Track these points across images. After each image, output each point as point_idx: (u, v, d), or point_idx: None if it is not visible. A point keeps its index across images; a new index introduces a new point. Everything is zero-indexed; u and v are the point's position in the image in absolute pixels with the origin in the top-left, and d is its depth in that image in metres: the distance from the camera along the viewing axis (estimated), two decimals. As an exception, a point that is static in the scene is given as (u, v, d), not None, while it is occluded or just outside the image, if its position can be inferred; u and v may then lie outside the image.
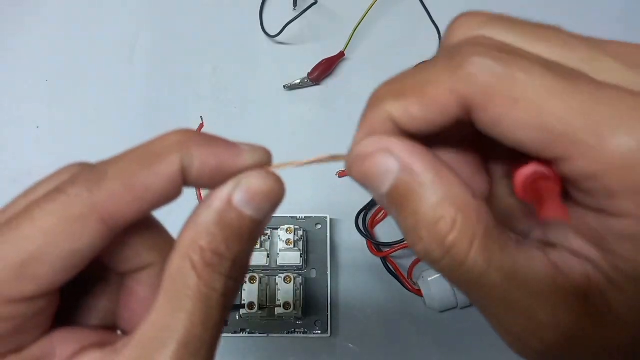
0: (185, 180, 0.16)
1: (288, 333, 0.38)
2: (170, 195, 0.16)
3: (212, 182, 0.16)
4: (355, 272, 0.41)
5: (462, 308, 0.38)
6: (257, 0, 0.54)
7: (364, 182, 0.16)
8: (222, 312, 0.16)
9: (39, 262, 0.14)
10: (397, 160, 0.15)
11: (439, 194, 0.14)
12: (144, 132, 0.48)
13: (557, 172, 0.14)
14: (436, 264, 0.15)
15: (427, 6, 0.55)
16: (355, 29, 0.51)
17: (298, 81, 0.49)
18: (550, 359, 0.15)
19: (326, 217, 0.41)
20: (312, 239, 0.41)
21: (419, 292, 0.39)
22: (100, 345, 0.16)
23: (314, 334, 0.38)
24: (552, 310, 0.14)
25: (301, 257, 0.39)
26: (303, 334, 0.38)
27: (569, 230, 0.15)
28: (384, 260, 0.41)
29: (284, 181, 0.17)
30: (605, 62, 0.14)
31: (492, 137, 0.15)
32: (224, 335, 0.38)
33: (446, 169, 0.15)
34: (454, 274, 0.15)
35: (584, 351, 0.14)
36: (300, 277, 0.39)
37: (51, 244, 0.14)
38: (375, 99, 0.16)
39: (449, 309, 0.39)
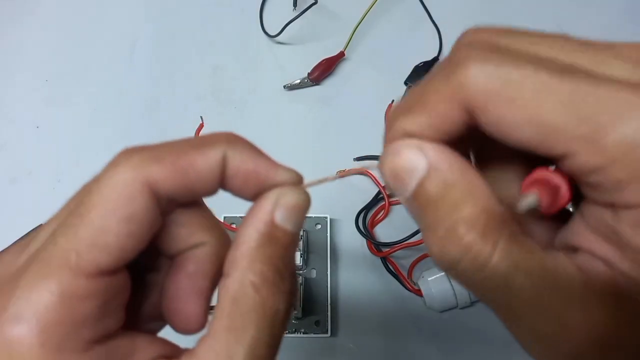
0: (223, 174, 0.17)
1: (288, 333, 0.38)
2: (209, 186, 0.17)
3: (245, 186, 0.18)
4: (355, 272, 0.41)
5: (462, 308, 0.38)
6: (257, 0, 0.54)
7: (393, 178, 0.16)
8: (284, 329, 0.16)
9: (106, 232, 0.15)
10: (425, 159, 0.15)
11: (462, 193, 0.14)
12: (144, 132, 0.48)
13: (564, 172, 0.14)
14: (453, 267, 0.14)
15: (427, 6, 0.55)
16: (355, 29, 0.51)
17: (298, 81, 0.49)
18: None
19: (326, 217, 0.41)
20: (312, 239, 0.41)
21: (419, 292, 0.39)
22: (168, 358, 0.16)
23: (313, 334, 0.38)
24: (585, 312, 0.14)
25: (301, 257, 0.39)
26: (303, 334, 0.38)
27: (588, 233, 0.15)
28: (384, 260, 0.41)
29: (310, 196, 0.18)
30: (614, 64, 0.14)
31: (498, 139, 0.15)
32: None
33: (473, 172, 0.15)
34: (474, 277, 0.14)
35: (617, 354, 0.14)
36: (300, 277, 0.39)
37: (111, 212, 0.15)
38: (390, 120, 0.17)
39: (449, 309, 0.39)
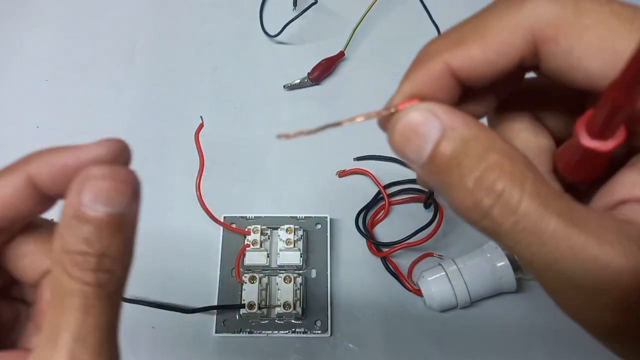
0: (35, 192, 0.17)
1: (288, 333, 0.38)
2: (24, 210, 0.17)
3: (67, 185, 0.16)
4: (355, 272, 0.41)
5: (462, 308, 0.38)
6: (257, 0, 0.54)
7: (405, 144, 0.15)
8: (106, 303, 0.16)
9: None
10: (438, 119, 0.15)
11: (483, 145, 0.14)
12: (144, 132, 0.48)
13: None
14: (485, 217, 0.14)
15: (427, 6, 0.55)
16: (356, 29, 0.51)
17: (298, 81, 0.49)
18: (624, 311, 0.14)
19: (326, 217, 0.41)
20: (312, 238, 0.41)
21: (419, 292, 0.39)
22: None
23: (313, 333, 0.38)
24: (628, 257, 0.13)
25: (301, 257, 0.39)
26: (303, 333, 0.38)
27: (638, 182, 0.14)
28: (384, 260, 0.41)
29: (133, 171, 0.18)
30: None
31: (558, 76, 0.15)
32: (224, 335, 0.38)
33: (487, 127, 0.15)
34: (506, 224, 0.14)
35: None
36: (301, 277, 0.39)
37: None
38: (428, 52, 0.16)
39: (449, 309, 0.39)
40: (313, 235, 0.41)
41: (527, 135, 0.17)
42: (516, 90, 0.17)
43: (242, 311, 0.37)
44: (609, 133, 0.14)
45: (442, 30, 0.53)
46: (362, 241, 0.42)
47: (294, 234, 0.39)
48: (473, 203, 0.14)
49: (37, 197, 0.17)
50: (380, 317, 0.39)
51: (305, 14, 0.50)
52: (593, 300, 0.14)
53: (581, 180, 0.16)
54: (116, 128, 0.47)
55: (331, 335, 0.38)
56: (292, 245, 0.39)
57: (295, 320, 0.38)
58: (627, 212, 0.14)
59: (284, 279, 0.37)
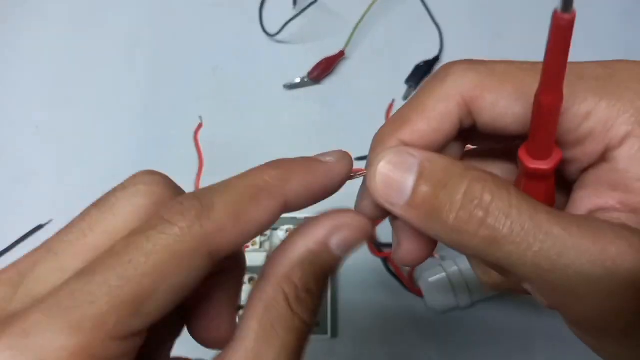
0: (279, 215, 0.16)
1: None
2: (268, 227, 0.16)
3: (306, 205, 0.17)
4: (355, 273, 0.41)
5: (462, 309, 0.38)
6: (257, 0, 0.54)
7: (386, 188, 0.16)
8: (306, 343, 0.16)
9: (152, 299, 0.14)
10: (416, 158, 0.16)
11: (461, 166, 0.16)
12: (143, 132, 0.48)
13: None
14: (482, 226, 0.15)
15: (428, 5, 0.55)
16: (356, 28, 0.50)
17: (298, 80, 0.49)
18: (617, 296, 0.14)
19: None
20: None
21: (419, 293, 0.39)
22: None
23: (314, 334, 0.38)
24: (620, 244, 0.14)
25: None
26: None
27: (592, 195, 0.16)
28: (385, 260, 0.41)
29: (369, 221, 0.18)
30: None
31: (493, 127, 0.17)
32: None
33: (456, 160, 0.17)
34: (503, 229, 0.15)
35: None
36: None
37: (163, 279, 0.14)
38: (382, 135, 0.18)
39: (449, 310, 0.38)
40: None
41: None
42: (469, 150, 0.20)
43: (242, 312, 0.37)
44: (546, 154, 0.16)
45: (443, 29, 0.53)
46: (363, 241, 0.42)
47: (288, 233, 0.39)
48: (467, 217, 0.15)
49: (278, 218, 0.16)
50: (381, 318, 0.39)
51: (305, 13, 0.50)
52: (597, 288, 0.14)
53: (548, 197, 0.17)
54: (116, 128, 0.47)
55: (332, 336, 0.38)
56: None
57: None
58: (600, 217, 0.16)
59: None
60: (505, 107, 0.17)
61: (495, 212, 0.15)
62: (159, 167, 0.51)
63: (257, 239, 0.39)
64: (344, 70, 0.51)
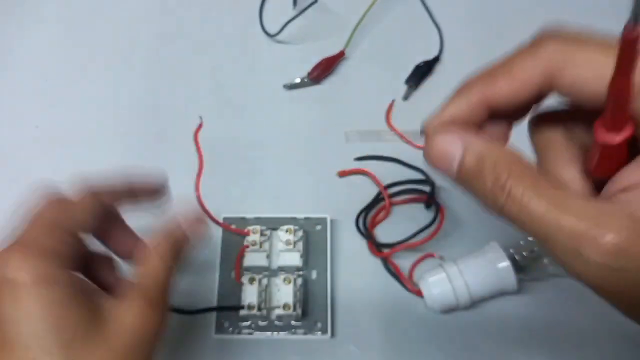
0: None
1: (288, 334, 0.38)
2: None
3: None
4: (355, 273, 0.41)
5: (463, 309, 0.38)
6: (257, 0, 0.54)
7: (438, 164, 0.21)
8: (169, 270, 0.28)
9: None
10: (460, 143, 0.20)
11: (495, 155, 0.19)
12: (143, 132, 0.48)
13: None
14: (502, 210, 0.19)
15: (428, 5, 0.55)
16: (356, 28, 0.50)
17: (298, 80, 0.49)
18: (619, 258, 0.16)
19: (326, 218, 0.41)
20: (312, 239, 0.41)
21: (419, 293, 0.38)
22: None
23: (313, 335, 0.38)
24: (598, 226, 0.17)
25: (301, 257, 0.39)
26: (303, 334, 0.38)
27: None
28: (385, 261, 0.40)
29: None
30: None
31: (572, 99, 0.19)
32: (224, 336, 0.37)
33: (498, 145, 0.20)
34: (515, 213, 0.18)
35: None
36: (301, 278, 0.39)
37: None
38: (468, 85, 0.21)
39: (449, 310, 0.38)
40: (313, 236, 0.41)
41: (561, 145, 0.21)
42: (553, 111, 0.22)
43: (242, 312, 0.37)
44: (618, 128, 0.18)
45: (442, 30, 0.53)
46: (363, 242, 0.42)
47: (294, 234, 0.39)
48: (492, 201, 0.19)
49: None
50: (381, 319, 0.39)
51: (305, 13, 0.50)
52: (578, 259, 0.17)
53: (606, 176, 0.19)
54: (116, 128, 0.47)
55: (331, 336, 0.38)
56: (292, 246, 0.39)
57: (295, 321, 0.38)
58: (624, 197, 0.18)
59: (284, 280, 0.37)
60: (583, 85, 0.19)
61: (511, 201, 0.18)
62: (157, 168, 0.51)
63: (257, 239, 0.39)
64: (344, 70, 0.51)
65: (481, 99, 0.20)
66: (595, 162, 0.19)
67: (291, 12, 0.52)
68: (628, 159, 0.19)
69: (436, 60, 0.51)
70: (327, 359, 0.38)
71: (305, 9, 0.50)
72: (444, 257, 0.40)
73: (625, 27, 0.15)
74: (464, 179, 0.20)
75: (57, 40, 0.52)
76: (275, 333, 0.37)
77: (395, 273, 0.40)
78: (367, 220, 0.42)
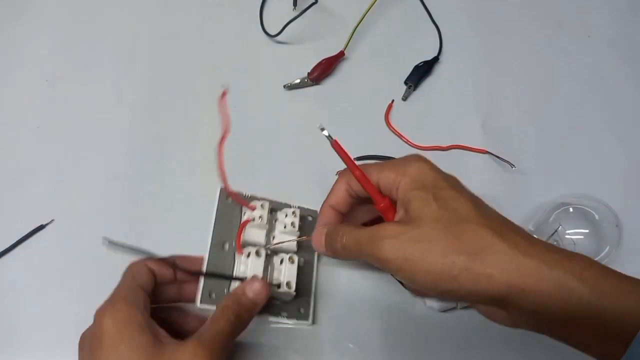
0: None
1: (272, 316, 0.37)
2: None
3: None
4: (355, 272, 0.41)
5: (462, 308, 0.38)
6: (257, 0, 0.54)
7: (317, 247, 0.35)
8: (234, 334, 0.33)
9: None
10: (323, 234, 0.35)
11: (337, 231, 0.34)
12: (143, 132, 0.48)
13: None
14: (347, 255, 0.33)
15: (427, 6, 0.55)
16: (356, 29, 0.51)
17: (298, 81, 0.49)
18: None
19: (317, 210, 0.39)
20: (303, 228, 0.39)
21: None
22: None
23: (295, 319, 0.37)
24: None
25: (297, 243, 0.38)
26: (287, 317, 0.37)
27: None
28: (384, 260, 0.41)
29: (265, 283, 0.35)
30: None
31: (359, 195, 0.35)
32: (208, 307, 0.34)
33: (342, 225, 0.35)
34: (353, 254, 0.32)
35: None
36: (297, 259, 0.38)
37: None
38: (324, 202, 0.37)
39: (448, 309, 0.39)
40: (304, 225, 0.40)
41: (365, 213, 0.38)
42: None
43: (234, 285, 0.35)
44: (379, 203, 0.33)
45: (442, 30, 0.54)
46: (362, 241, 0.42)
47: (295, 216, 0.38)
48: (340, 247, 0.33)
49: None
50: (380, 317, 0.39)
51: (305, 13, 0.50)
52: (380, 256, 0.30)
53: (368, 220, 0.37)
54: (116, 128, 0.47)
55: (312, 323, 0.38)
56: (293, 228, 0.38)
57: (281, 302, 0.37)
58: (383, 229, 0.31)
59: (288, 259, 0.37)
60: (360, 190, 0.34)
61: (344, 250, 0.33)
62: (159, 168, 0.51)
63: (264, 215, 0.37)
64: (344, 70, 0.51)
65: (327, 208, 0.36)
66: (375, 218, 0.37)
67: (291, 13, 0.52)
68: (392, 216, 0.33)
69: (435, 60, 0.51)
70: (305, 345, 0.38)
71: (306, 9, 0.51)
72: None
73: (331, 142, 0.34)
74: (327, 247, 0.34)
75: (58, 41, 0.52)
76: (261, 315, 0.36)
77: (394, 272, 0.40)
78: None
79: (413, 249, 0.28)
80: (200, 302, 0.34)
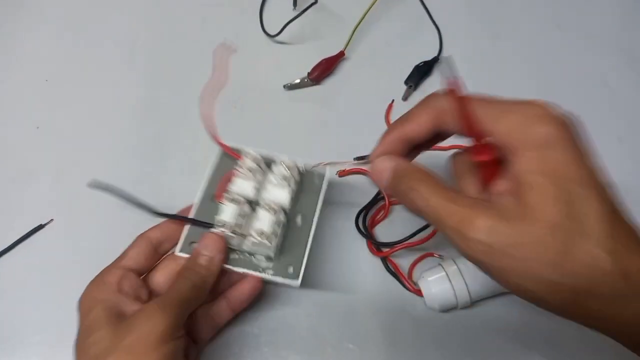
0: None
1: (257, 272, 0.35)
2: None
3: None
4: (355, 273, 0.41)
5: (462, 308, 0.38)
6: (257, 0, 0.54)
7: (377, 176, 0.30)
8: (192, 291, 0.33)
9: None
10: (389, 162, 0.29)
11: (408, 170, 0.28)
12: (143, 132, 0.48)
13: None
14: (413, 204, 0.27)
15: (427, 6, 0.55)
16: (356, 29, 0.51)
17: (298, 81, 0.49)
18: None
19: (324, 173, 0.39)
20: (306, 188, 0.38)
21: (419, 292, 0.39)
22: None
23: (283, 277, 0.35)
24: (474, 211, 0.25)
25: (291, 198, 0.36)
26: (272, 275, 0.35)
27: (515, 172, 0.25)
28: (384, 260, 0.41)
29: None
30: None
31: (451, 132, 0.28)
32: (187, 256, 0.34)
33: (412, 164, 0.29)
34: (422, 205, 0.26)
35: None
36: (284, 216, 0.36)
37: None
38: (390, 129, 0.30)
39: (449, 309, 0.38)
40: (307, 185, 0.38)
41: (466, 172, 0.28)
42: (461, 152, 0.29)
43: (213, 231, 0.34)
44: (482, 152, 0.26)
45: (442, 30, 0.54)
46: (362, 241, 0.42)
47: (291, 171, 0.36)
48: (407, 198, 0.27)
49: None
50: (381, 317, 0.39)
51: (305, 13, 0.50)
52: (461, 237, 0.24)
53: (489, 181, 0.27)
54: (116, 128, 0.47)
55: (300, 285, 0.35)
56: (285, 183, 0.36)
57: (267, 260, 0.35)
58: (495, 199, 0.25)
59: (268, 208, 0.35)
60: (461, 123, 0.27)
61: (418, 197, 0.26)
62: (159, 168, 0.51)
63: (253, 167, 0.36)
64: (344, 70, 0.51)
65: (399, 136, 0.30)
66: (481, 176, 0.27)
67: (291, 13, 0.52)
68: (499, 175, 0.26)
69: (435, 60, 0.51)
70: (305, 345, 0.38)
71: (305, 9, 0.51)
72: (444, 256, 0.40)
73: (447, 82, 0.27)
74: (391, 186, 0.28)
75: (58, 41, 0.52)
76: (244, 269, 0.35)
77: (394, 272, 0.40)
78: (367, 220, 0.42)
79: (511, 259, 0.23)
80: (180, 250, 0.35)
